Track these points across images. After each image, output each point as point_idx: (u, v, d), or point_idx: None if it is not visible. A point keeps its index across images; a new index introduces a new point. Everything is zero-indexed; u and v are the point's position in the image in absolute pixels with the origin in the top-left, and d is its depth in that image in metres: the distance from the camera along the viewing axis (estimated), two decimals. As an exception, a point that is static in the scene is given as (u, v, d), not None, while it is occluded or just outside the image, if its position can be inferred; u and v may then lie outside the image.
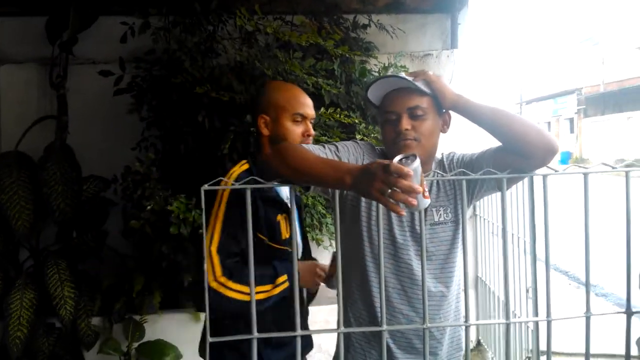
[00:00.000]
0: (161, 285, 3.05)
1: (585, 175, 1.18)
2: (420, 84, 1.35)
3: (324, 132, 2.76)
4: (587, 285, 1.21)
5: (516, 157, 1.26)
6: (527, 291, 2.67)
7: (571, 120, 26.94)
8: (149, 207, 2.64)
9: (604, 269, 5.36)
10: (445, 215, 1.41)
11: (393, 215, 1.42)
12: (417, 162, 1.03)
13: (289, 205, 1.27)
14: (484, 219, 3.38)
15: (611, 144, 22.90)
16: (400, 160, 1.06)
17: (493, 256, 3.26)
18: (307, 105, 1.64)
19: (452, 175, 1.24)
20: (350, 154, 1.42)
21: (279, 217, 1.59)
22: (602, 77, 26.34)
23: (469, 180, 1.31)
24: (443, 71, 3.60)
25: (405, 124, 1.36)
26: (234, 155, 2.76)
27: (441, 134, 1.46)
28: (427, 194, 1.07)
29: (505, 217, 1.23)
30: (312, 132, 1.64)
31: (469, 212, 3.26)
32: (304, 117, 1.61)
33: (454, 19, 3.70)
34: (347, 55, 2.92)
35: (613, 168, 1.17)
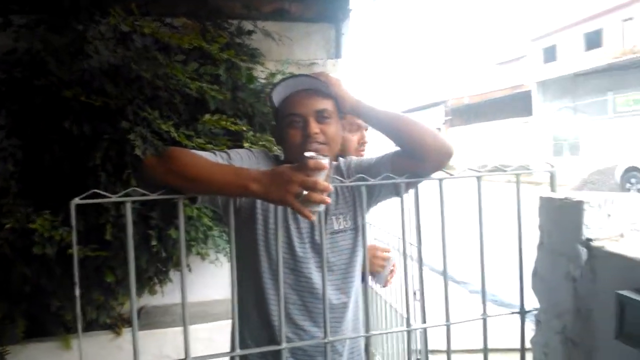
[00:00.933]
0: (25, 312, 2.78)
1: (479, 178, 1.21)
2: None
3: (210, 139, 2.62)
4: (482, 289, 1.24)
5: (413, 160, 1.26)
6: (415, 294, 2.73)
7: (439, 130, 29.02)
8: (8, 225, 2.43)
9: (475, 266, 5.77)
10: (345, 222, 1.36)
11: (292, 226, 1.34)
12: (327, 160, 1.00)
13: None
14: (368, 224, 3.43)
15: (475, 152, 25.07)
16: (312, 157, 1.02)
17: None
18: None
19: (351, 182, 1.19)
20: (243, 161, 1.33)
21: None
22: (466, 90, 28.88)
23: (368, 186, 1.28)
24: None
25: (314, 127, 1.31)
26: (108, 166, 2.53)
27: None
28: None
29: (404, 222, 1.21)
30: (367, 140, 1.86)
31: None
32: (359, 126, 1.84)
33: (338, 29, 3.75)
34: (232, 61, 2.82)
35: (504, 171, 1.21)
